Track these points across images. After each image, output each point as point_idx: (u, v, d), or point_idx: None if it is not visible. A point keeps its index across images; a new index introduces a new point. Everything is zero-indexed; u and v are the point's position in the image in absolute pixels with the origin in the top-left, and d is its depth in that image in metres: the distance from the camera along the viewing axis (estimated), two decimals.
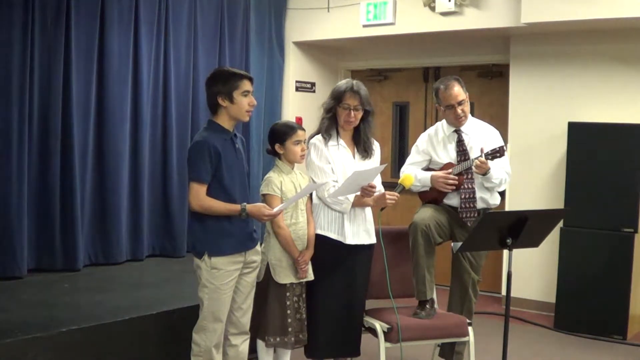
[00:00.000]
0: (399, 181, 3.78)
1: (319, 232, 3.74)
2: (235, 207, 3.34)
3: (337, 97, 3.73)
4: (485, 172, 3.90)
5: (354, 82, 3.78)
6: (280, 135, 3.71)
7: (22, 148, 4.77)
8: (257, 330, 3.70)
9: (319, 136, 3.78)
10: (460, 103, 4.02)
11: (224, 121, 3.42)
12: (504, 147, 3.93)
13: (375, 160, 3.88)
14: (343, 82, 3.81)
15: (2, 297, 4.27)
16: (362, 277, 3.84)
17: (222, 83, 3.37)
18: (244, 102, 3.39)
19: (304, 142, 3.75)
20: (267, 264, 3.67)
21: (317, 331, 3.74)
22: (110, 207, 5.39)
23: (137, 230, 5.62)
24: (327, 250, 3.72)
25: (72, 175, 5.09)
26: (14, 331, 3.47)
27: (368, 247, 3.82)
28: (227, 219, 3.37)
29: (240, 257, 3.43)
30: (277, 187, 3.65)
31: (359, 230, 3.76)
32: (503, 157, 3.94)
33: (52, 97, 4.99)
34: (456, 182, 3.98)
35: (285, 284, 3.67)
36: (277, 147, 3.72)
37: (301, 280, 3.70)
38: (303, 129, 3.76)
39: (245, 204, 3.37)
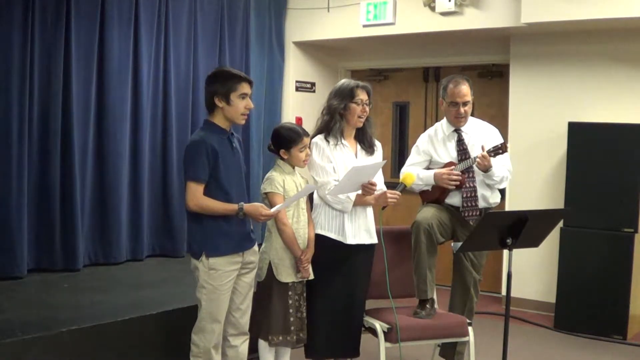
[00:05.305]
0: (400, 179, 3.78)
1: (320, 232, 3.74)
2: (232, 207, 3.33)
3: (349, 94, 3.73)
4: (487, 169, 3.91)
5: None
6: (286, 142, 3.69)
7: (22, 148, 4.77)
8: (259, 330, 3.70)
9: (321, 135, 3.78)
10: (465, 103, 4.05)
11: (220, 121, 3.40)
12: (506, 144, 3.94)
13: (378, 158, 3.88)
14: (346, 80, 3.83)
15: (2, 297, 4.27)
16: (362, 277, 3.83)
17: (220, 83, 3.35)
18: (240, 104, 3.36)
19: (308, 147, 3.75)
20: (269, 263, 3.67)
21: (317, 331, 3.74)
22: (110, 207, 5.39)
23: (137, 230, 5.62)
24: (327, 250, 3.72)
25: (72, 175, 5.09)
26: (14, 331, 3.47)
27: (369, 247, 3.81)
28: (225, 219, 3.35)
29: (238, 257, 3.43)
30: (280, 185, 3.65)
31: (360, 230, 3.76)
32: (504, 154, 3.96)
33: (52, 97, 4.99)
34: (460, 178, 3.99)
35: (288, 283, 3.67)
36: (282, 152, 3.71)
37: (302, 279, 3.70)
38: (308, 134, 3.75)
39: (242, 203, 3.36)
